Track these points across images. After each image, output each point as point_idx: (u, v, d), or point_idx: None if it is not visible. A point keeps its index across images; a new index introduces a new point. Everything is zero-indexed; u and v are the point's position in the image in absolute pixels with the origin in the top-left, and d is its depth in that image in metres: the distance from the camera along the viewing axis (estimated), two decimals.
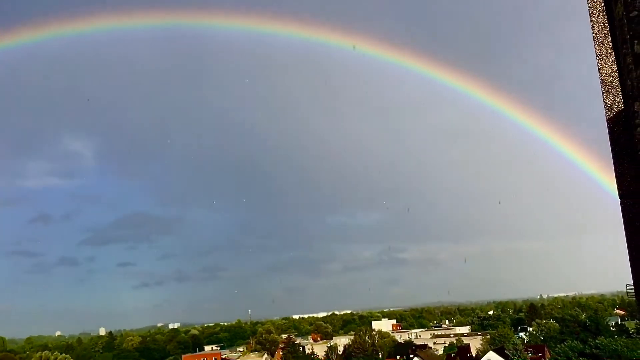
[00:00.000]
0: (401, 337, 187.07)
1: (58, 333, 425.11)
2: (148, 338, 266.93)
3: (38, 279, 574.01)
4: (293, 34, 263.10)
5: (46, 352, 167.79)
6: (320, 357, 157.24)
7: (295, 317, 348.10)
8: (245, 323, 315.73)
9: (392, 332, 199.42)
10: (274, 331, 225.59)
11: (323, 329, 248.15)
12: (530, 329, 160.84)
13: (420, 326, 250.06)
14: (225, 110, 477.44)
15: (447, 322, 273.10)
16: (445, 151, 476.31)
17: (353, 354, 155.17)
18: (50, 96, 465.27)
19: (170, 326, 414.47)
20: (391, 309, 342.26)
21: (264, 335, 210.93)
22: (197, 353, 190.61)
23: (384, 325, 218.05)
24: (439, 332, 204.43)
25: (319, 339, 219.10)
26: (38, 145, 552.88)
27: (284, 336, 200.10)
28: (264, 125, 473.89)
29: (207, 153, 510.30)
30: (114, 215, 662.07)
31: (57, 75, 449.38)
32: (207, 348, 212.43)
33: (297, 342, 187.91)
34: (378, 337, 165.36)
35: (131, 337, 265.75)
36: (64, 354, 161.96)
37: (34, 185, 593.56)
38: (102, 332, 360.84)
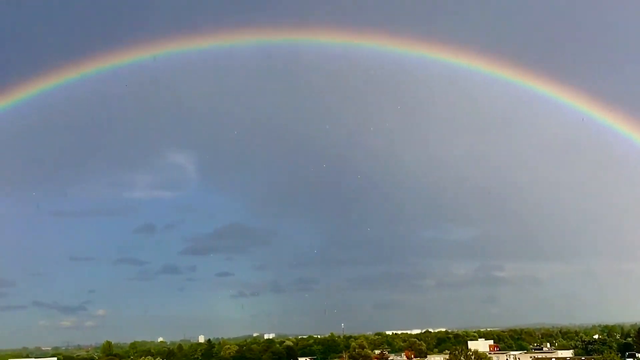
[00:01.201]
0: (499, 358, 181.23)
1: (160, 339, 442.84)
2: (244, 347, 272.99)
3: (143, 286, 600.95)
4: (382, 47, 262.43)
5: (149, 357, 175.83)
6: None
7: (388, 332, 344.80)
8: (339, 337, 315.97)
9: (490, 353, 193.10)
10: (367, 346, 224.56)
11: (417, 347, 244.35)
12: (639, 355, 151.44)
13: (520, 348, 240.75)
14: (318, 125, 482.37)
15: (548, 345, 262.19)
16: (544, 167, 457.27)
17: None
18: (156, 112, 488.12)
19: (266, 336, 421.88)
20: (488, 329, 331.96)
21: (357, 350, 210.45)
22: None
23: (480, 345, 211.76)
24: (540, 355, 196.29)
25: (412, 356, 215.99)
26: (144, 159, 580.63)
27: (377, 352, 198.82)
28: (356, 139, 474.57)
29: (302, 166, 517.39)
30: (213, 226, 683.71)
31: (162, 91, 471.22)
32: None
33: (391, 358, 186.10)
34: (474, 357, 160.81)
35: (228, 346, 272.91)
36: None
37: (140, 197, 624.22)
38: (202, 339, 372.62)
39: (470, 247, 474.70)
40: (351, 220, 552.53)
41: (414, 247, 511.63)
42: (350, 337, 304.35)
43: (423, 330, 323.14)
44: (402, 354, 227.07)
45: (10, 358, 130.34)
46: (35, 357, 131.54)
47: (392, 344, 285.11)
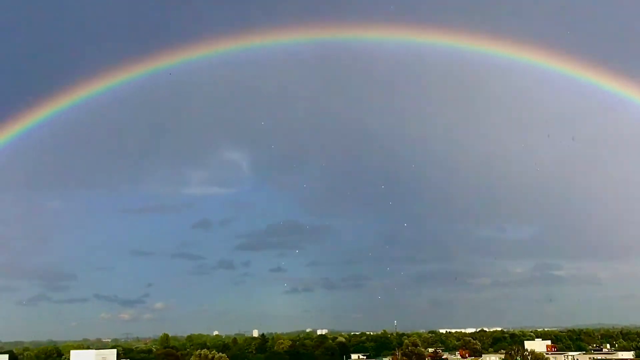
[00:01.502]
0: (556, 359, 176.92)
1: (216, 332, 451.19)
2: (297, 342, 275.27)
3: (199, 280, 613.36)
4: (444, 43, 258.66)
5: (205, 350, 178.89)
6: None
7: (442, 331, 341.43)
8: (391, 334, 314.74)
9: (547, 354, 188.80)
10: (420, 344, 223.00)
11: (472, 346, 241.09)
12: None
13: (578, 349, 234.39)
14: (375, 122, 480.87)
15: (608, 346, 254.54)
16: (607, 164, 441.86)
17: None
18: (211, 110, 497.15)
19: (318, 332, 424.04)
20: (545, 329, 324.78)
21: (410, 348, 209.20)
22: None
23: (537, 345, 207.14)
24: (600, 357, 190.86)
25: (467, 355, 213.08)
26: (200, 156, 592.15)
27: (431, 350, 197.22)
28: (414, 136, 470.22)
29: (355, 164, 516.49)
30: (266, 222, 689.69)
31: (217, 89, 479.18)
32: (354, 356, 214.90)
33: (445, 357, 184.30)
34: (531, 357, 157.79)
35: (282, 341, 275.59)
36: (220, 353, 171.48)
37: (196, 193, 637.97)
38: (255, 333, 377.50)
39: (527, 245, 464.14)
40: (406, 217, 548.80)
41: (469, 245, 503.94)
42: (403, 334, 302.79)
43: (478, 330, 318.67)
44: (457, 352, 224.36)
45: (72, 349, 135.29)
46: (96, 349, 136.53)
47: (446, 342, 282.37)
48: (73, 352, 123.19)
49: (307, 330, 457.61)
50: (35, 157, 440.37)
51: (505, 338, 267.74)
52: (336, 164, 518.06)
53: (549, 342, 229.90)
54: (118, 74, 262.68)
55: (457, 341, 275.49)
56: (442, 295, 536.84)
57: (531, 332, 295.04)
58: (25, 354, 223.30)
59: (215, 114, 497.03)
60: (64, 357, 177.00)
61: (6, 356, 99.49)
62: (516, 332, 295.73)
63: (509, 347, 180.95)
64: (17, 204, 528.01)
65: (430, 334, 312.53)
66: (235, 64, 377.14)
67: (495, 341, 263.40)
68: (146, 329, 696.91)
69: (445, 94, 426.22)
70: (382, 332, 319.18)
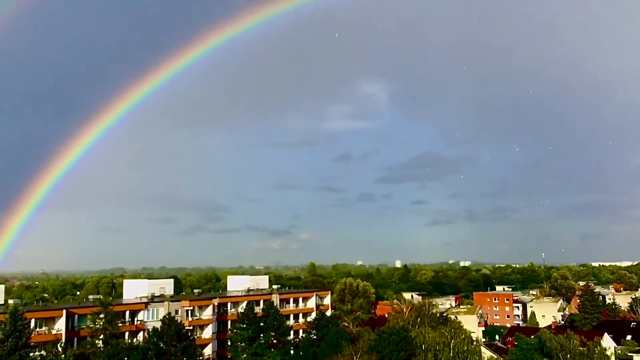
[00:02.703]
0: None
1: (359, 262, 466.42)
2: (440, 273, 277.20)
3: (342, 212, 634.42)
4: None
5: (350, 278, 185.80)
6: (622, 308, 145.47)
7: (594, 264, 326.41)
8: (539, 267, 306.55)
9: None
10: (570, 277, 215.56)
11: (627, 279, 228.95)
12: None
13: None
14: (519, 47, 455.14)
15: None
16: None
17: None
18: (348, 45, 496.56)
19: (462, 264, 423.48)
20: None
21: (559, 281, 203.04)
22: (489, 292, 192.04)
23: None
24: None
25: (621, 289, 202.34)
26: (339, 90, 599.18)
27: (582, 283, 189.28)
28: (563, 60, 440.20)
29: (495, 93, 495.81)
30: (406, 155, 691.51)
31: (353, 25, 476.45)
32: (499, 288, 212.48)
33: (597, 290, 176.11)
34: None
35: (424, 271, 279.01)
36: (365, 282, 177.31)
37: (336, 127, 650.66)
38: (398, 264, 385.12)
39: None
40: (556, 146, 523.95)
41: (625, 174, 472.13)
42: (552, 267, 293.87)
43: (634, 263, 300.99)
44: (610, 286, 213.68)
45: (228, 275, 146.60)
46: (249, 275, 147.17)
47: (599, 276, 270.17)
48: (229, 277, 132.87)
49: (450, 262, 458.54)
50: (188, 97, 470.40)
51: None
52: (479, 93, 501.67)
53: None
54: (263, 12, 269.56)
55: (610, 275, 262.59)
56: (594, 227, 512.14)
57: None
58: (188, 279, 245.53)
59: (354, 49, 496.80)
60: (221, 282, 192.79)
61: (171, 280, 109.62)
62: None
63: None
64: (174, 141, 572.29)
65: (581, 267, 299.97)
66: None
67: None
68: (294, 257, 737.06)
69: (597, 13, 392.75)
70: (528, 265, 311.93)
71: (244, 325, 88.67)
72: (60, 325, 75.57)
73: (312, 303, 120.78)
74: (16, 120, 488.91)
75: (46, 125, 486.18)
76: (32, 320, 71.62)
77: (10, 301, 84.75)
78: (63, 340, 74.05)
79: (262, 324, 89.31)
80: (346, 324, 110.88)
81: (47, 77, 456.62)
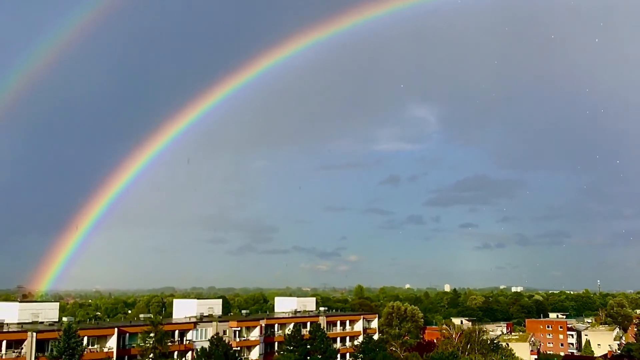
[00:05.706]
0: None
1: (407, 286, 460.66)
2: (491, 298, 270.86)
3: (390, 234, 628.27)
4: None
5: (397, 302, 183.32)
6: None
7: None
8: (594, 294, 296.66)
9: None
10: (627, 305, 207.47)
11: None
12: None
13: None
14: (564, 71, 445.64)
15: None
16: None
17: None
18: (398, 67, 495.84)
19: (513, 289, 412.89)
20: None
21: (615, 309, 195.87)
22: (542, 319, 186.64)
23: None
24: None
25: None
26: (388, 113, 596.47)
27: (639, 311, 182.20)
28: (615, 84, 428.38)
29: (552, 116, 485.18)
30: (455, 178, 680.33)
31: (401, 48, 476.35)
32: (552, 315, 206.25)
33: None
34: None
35: (474, 296, 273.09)
36: (413, 306, 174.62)
37: (385, 150, 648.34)
38: (447, 288, 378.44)
39: None
40: (611, 171, 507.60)
41: None
42: (608, 294, 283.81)
43: None
44: None
45: (276, 296, 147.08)
46: (297, 296, 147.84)
47: None
48: (277, 299, 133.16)
49: (501, 287, 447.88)
50: (239, 121, 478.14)
51: None
52: (529, 117, 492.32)
53: None
54: (313, 37, 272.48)
55: None
56: None
57: None
58: (236, 299, 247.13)
59: (403, 71, 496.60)
60: (269, 303, 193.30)
61: (220, 300, 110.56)
62: None
63: None
64: (226, 164, 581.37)
65: (638, 295, 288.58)
66: (423, 14, 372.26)
67: None
68: (341, 279, 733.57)
69: None
70: (583, 292, 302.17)
71: (291, 347, 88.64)
72: (111, 344, 77.17)
73: (359, 326, 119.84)
74: (74, 141, 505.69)
75: (104, 146, 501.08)
76: (85, 338, 73.22)
77: (64, 319, 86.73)
78: (114, 358, 75.57)
79: (309, 347, 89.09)
80: (394, 349, 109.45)
81: (104, 100, 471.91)
